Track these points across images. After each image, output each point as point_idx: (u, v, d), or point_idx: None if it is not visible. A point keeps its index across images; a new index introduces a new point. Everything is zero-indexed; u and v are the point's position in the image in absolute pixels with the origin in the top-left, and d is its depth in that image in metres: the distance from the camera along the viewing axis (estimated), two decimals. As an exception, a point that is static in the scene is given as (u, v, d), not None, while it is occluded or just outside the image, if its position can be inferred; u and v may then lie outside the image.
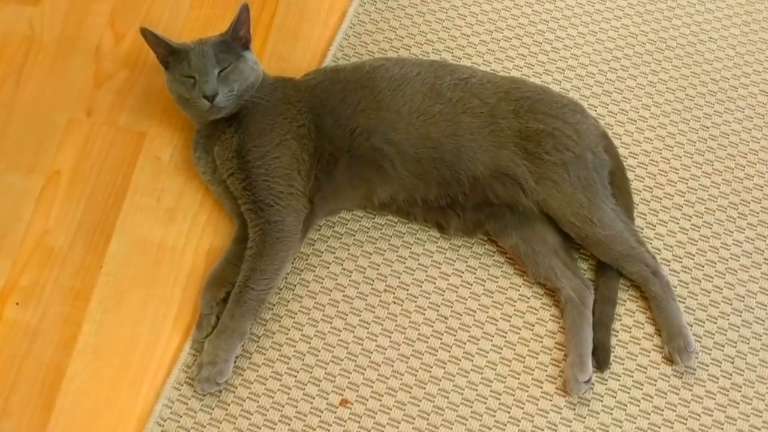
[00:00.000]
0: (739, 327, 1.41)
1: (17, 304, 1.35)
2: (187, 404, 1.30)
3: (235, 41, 1.39)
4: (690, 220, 1.50)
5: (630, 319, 1.41)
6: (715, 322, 1.41)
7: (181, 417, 1.29)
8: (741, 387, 1.36)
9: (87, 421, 1.28)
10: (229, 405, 1.30)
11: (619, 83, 1.63)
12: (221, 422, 1.29)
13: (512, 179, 1.39)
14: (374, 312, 1.39)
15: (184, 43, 1.39)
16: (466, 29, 1.66)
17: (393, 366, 1.35)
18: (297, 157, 1.39)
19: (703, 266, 1.46)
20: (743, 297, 1.43)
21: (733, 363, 1.38)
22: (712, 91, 1.63)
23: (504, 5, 1.69)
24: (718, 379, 1.36)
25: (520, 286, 1.42)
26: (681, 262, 1.46)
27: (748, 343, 1.40)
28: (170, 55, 1.39)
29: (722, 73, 1.65)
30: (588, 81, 1.62)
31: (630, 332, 1.40)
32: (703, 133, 1.58)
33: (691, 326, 1.39)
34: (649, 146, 1.56)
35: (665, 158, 1.55)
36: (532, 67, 1.63)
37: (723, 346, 1.39)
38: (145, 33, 1.37)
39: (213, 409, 1.30)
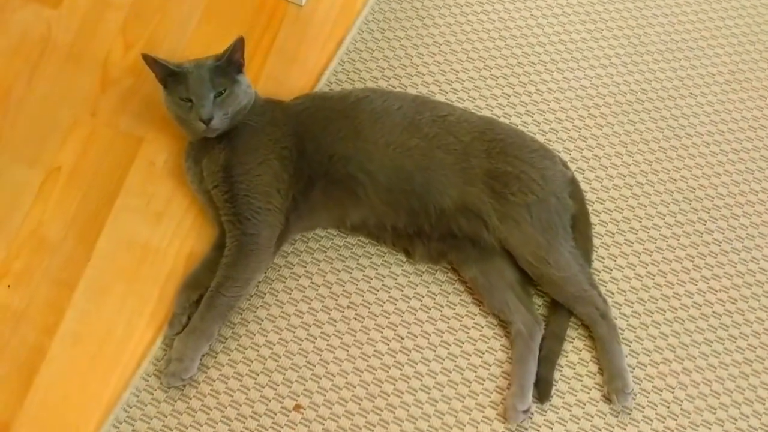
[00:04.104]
0: (678, 374, 1.48)
1: (9, 286, 1.46)
2: (152, 394, 1.41)
3: (230, 66, 1.48)
4: (646, 268, 1.57)
5: (576, 356, 1.49)
6: (657, 367, 1.49)
7: (146, 405, 1.40)
8: (672, 431, 1.44)
9: (60, 401, 1.39)
10: (191, 399, 1.41)
11: (596, 130, 1.71)
12: (182, 414, 1.39)
13: (477, 215, 1.48)
14: (335, 326, 1.49)
15: (182, 65, 1.48)
16: (456, 65, 1.75)
17: (347, 378, 1.45)
18: (277, 177, 1.48)
19: (653, 313, 1.54)
20: (687, 346, 1.51)
21: (668, 408, 1.46)
22: (685, 146, 1.70)
23: (495, 45, 1.78)
24: (652, 421, 1.44)
25: (476, 315, 1.51)
26: (632, 307, 1.54)
27: (685, 390, 1.47)
28: (169, 76, 1.48)
29: (697, 128, 1.73)
30: (566, 125, 1.71)
31: (574, 369, 1.48)
32: (670, 186, 1.66)
33: (633, 369, 1.47)
34: (617, 193, 1.64)
35: (630, 206, 1.63)
36: (514, 106, 1.71)
37: (661, 391, 1.47)
38: (146, 57, 1.47)
39: (176, 401, 1.40)
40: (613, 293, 1.54)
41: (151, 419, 1.38)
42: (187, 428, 1.38)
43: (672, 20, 1.86)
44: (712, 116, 1.74)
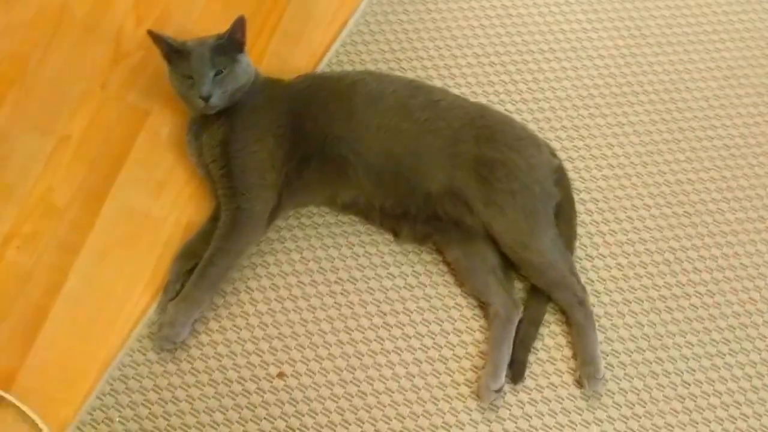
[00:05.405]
0: (651, 363, 1.53)
1: (18, 247, 1.55)
2: (145, 355, 1.50)
3: (231, 45, 1.54)
4: (628, 258, 1.62)
5: (552, 340, 1.54)
6: (630, 356, 1.54)
7: (139, 365, 1.49)
8: (640, 417, 1.49)
9: (60, 357, 1.48)
10: (181, 362, 1.49)
11: (589, 120, 1.74)
12: (172, 375, 1.48)
13: (462, 200, 1.53)
14: (322, 299, 1.56)
15: (185, 43, 1.54)
16: (456, 50, 1.79)
17: (329, 349, 1.52)
18: (272, 154, 1.54)
19: (631, 302, 1.58)
20: (661, 336, 1.55)
21: (638, 395, 1.51)
22: (677, 139, 1.73)
23: (496, 32, 1.81)
24: (621, 407, 1.50)
25: (457, 296, 1.57)
26: (610, 295, 1.58)
27: (656, 379, 1.52)
28: (173, 53, 1.55)
29: (690, 123, 1.75)
30: (560, 114, 1.74)
31: (549, 352, 1.53)
32: (658, 178, 1.69)
33: (607, 355, 1.53)
34: (605, 183, 1.68)
35: (617, 197, 1.67)
36: (510, 94, 1.75)
37: (632, 378, 1.52)
38: (152, 34, 1.54)
39: (167, 363, 1.49)
40: (593, 281, 1.59)
41: (143, 378, 1.48)
42: (176, 389, 1.47)
43: (674, 12, 1.87)
44: (706, 111, 1.76)
